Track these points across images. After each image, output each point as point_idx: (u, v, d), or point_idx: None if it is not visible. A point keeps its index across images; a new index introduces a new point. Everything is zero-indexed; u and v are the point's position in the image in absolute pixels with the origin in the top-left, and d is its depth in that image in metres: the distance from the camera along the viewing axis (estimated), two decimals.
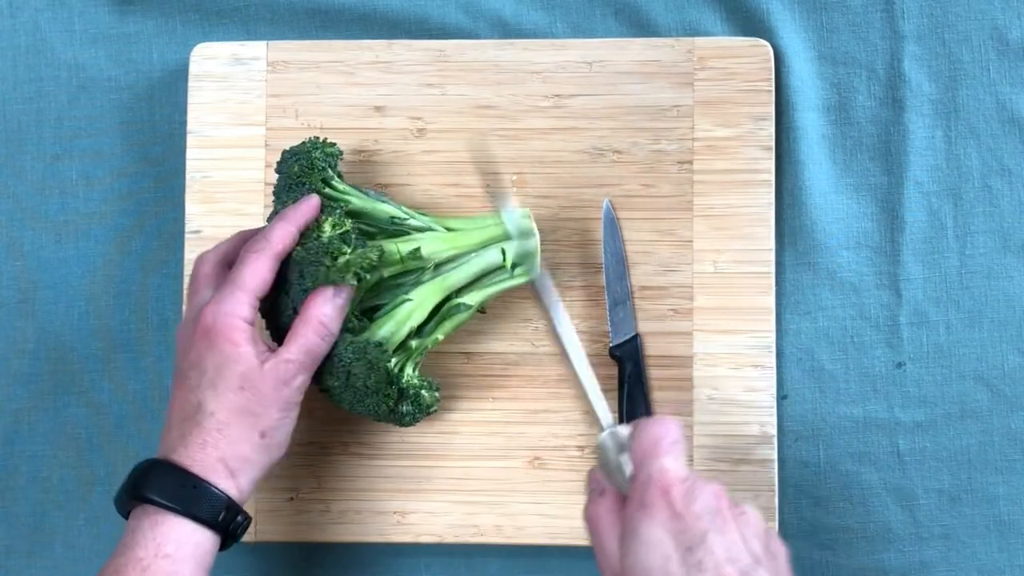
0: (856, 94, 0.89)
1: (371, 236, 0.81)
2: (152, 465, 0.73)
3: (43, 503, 0.90)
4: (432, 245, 0.81)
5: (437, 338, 0.82)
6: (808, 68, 0.89)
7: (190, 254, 0.88)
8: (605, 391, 0.86)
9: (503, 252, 0.82)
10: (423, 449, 0.87)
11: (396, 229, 0.81)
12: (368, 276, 0.77)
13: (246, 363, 0.74)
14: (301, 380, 0.76)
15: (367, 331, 0.79)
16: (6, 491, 0.90)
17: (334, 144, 0.83)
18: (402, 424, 0.81)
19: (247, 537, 0.87)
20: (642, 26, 0.90)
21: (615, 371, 0.86)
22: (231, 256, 0.79)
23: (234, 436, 0.73)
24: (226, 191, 0.88)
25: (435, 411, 0.82)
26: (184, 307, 0.87)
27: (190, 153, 0.89)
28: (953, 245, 0.88)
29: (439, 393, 0.82)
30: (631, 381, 0.86)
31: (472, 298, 0.82)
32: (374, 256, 0.77)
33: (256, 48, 0.90)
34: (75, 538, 0.90)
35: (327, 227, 0.78)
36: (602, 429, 0.72)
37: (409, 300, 0.80)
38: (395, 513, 0.87)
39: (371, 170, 0.88)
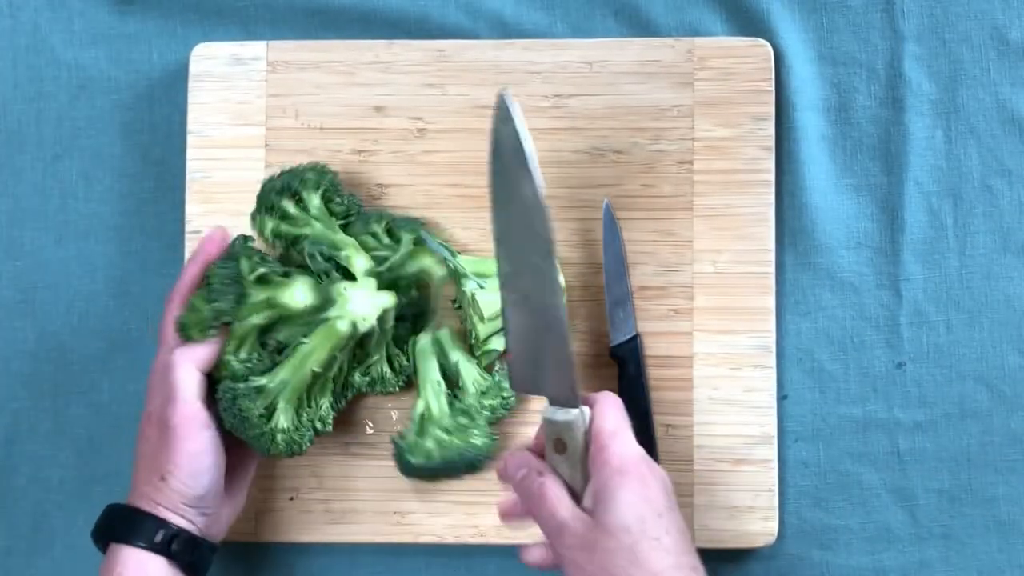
0: (856, 94, 0.89)
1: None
2: (108, 509, 0.81)
3: (43, 503, 0.90)
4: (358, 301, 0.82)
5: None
6: (808, 68, 0.89)
7: (190, 254, 0.88)
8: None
9: None
10: None
11: (322, 268, 0.83)
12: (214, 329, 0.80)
13: (146, 415, 0.80)
14: (176, 416, 0.79)
15: (268, 374, 0.81)
16: (6, 491, 0.90)
17: (330, 171, 0.85)
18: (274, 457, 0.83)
19: (247, 537, 0.87)
20: (642, 26, 0.90)
21: (615, 371, 0.86)
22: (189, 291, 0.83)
23: (145, 479, 0.79)
24: (226, 191, 0.88)
25: (303, 451, 0.83)
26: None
27: (190, 153, 0.89)
28: (953, 245, 0.88)
29: (316, 433, 0.83)
30: (631, 381, 0.86)
31: (499, 343, 0.85)
32: (210, 315, 0.80)
33: (256, 48, 0.90)
34: (75, 538, 0.90)
35: (244, 264, 0.81)
36: (566, 407, 0.74)
37: (304, 343, 0.81)
38: (395, 513, 0.87)
39: (371, 170, 0.88)
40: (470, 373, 0.84)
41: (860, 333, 0.88)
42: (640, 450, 0.73)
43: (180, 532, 0.78)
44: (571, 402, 0.73)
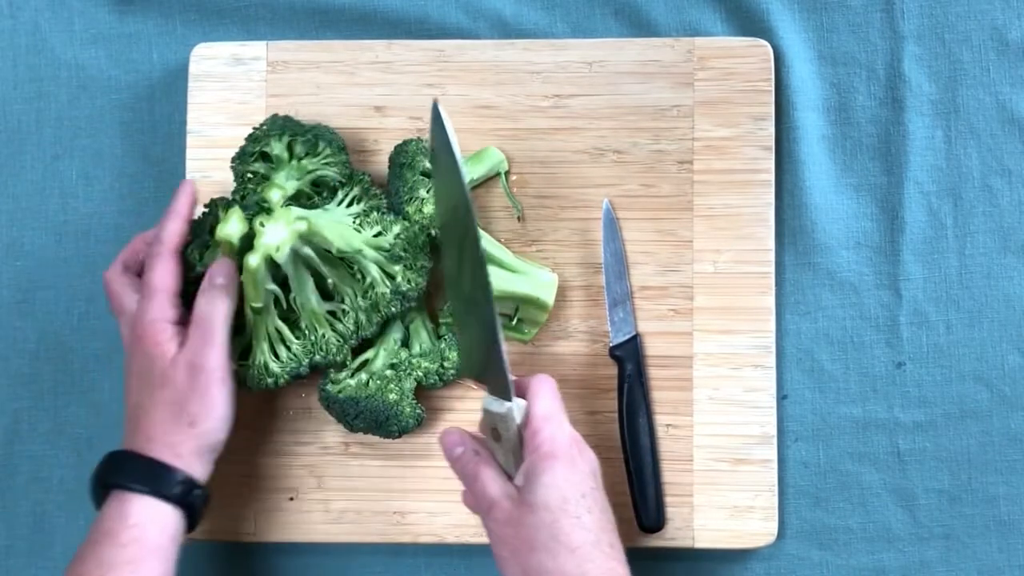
0: (856, 94, 0.89)
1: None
2: (115, 455, 0.80)
3: (43, 503, 0.90)
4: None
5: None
6: (808, 68, 0.89)
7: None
8: (605, 391, 0.87)
9: (516, 309, 0.85)
10: (423, 449, 0.87)
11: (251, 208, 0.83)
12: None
13: (162, 360, 0.79)
14: (210, 361, 0.79)
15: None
16: (6, 491, 0.90)
17: (282, 116, 0.86)
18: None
19: (247, 537, 0.87)
20: (642, 26, 0.90)
21: (615, 371, 0.86)
22: (132, 261, 0.84)
23: (169, 427, 0.79)
24: (226, 191, 0.88)
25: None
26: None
27: (190, 153, 0.89)
28: (953, 245, 0.88)
29: (324, 364, 0.84)
30: (631, 381, 0.86)
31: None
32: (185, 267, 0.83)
33: (256, 48, 0.90)
34: (75, 538, 0.89)
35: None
36: (501, 399, 0.77)
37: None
38: (395, 513, 0.87)
39: (371, 170, 0.88)
40: (419, 334, 0.86)
41: (860, 333, 0.88)
42: (571, 433, 0.77)
43: (197, 485, 0.79)
44: (505, 394, 0.76)
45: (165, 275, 0.81)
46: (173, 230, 0.82)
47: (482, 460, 0.77)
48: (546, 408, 0.76)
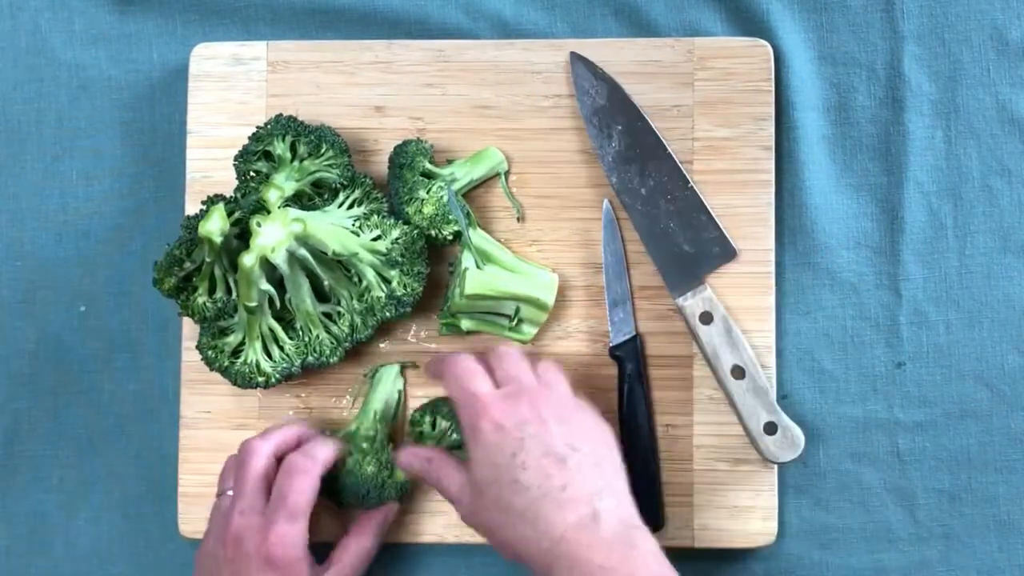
0: (856, 94, 0.89)
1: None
2: None
3: (43, 503, 0.90)
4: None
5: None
6: (808, 68, 0.89)
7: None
8: (605, 391, 0.87)
9: (517, 310, 0.85)
10: None
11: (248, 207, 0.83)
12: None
13: None
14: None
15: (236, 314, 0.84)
16: (6, 491, 0.90)
17: (285, 116, 0.86)
18: None
19: None
20: (642, 26, 0.90)
21: (615, 371, 0.86)
22: (283, 448, 0.83)
23: None
24: (226, 191, 0.88)
25: None
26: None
27: (190, 153, 0.89)
28: (953, 245, 0.88)
29: (318, 364, 0.84)
30: (631, 381, 0.86)
31: (465, 324, 0.86)
32: (166, 263, 0.83)
33: (256, 48, 0.90)
34: (75, 538, 0.90)
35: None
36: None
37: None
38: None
39: (371, 171, 0.88)
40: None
41: (860, 333, 0.88)
42: (484, 392, 0.76)
43: None
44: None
45: (309, 495, 0.80)
46: (327, 452, 0.81)
47: (436, 464, 0.79)
48: (448, 389, 0.77)
